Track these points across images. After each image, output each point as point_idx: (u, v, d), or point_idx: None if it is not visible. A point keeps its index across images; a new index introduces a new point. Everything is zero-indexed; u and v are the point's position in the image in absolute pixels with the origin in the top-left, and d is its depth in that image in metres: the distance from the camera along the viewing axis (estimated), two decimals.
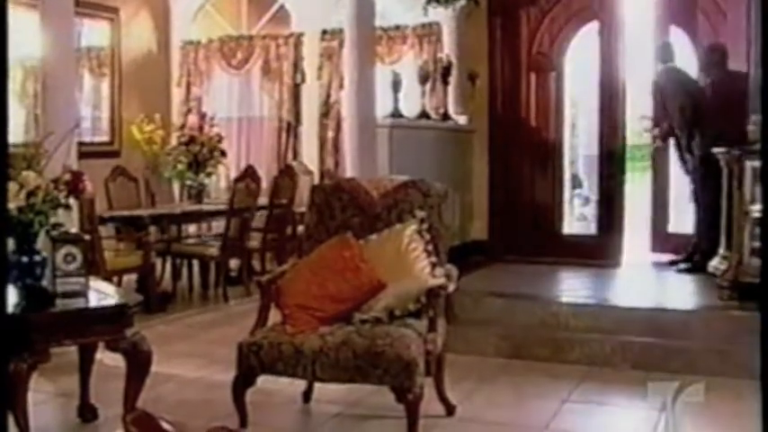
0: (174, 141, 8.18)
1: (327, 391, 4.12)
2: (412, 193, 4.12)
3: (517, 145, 7.17)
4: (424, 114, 6.77)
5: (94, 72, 8.59)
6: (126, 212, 6.91)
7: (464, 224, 7.04)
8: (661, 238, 6.98)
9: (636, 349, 4.89)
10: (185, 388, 4.57)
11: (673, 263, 6.37)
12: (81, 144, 5.80)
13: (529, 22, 7.09)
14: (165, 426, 1.51)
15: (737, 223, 5.04)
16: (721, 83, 6.05)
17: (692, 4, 6.66)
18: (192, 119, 8.29)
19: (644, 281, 6.28)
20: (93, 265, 5.36)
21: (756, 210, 4.83)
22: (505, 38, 7.16)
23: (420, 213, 4.03)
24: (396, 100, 6.32)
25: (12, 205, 3.28)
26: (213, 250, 7.06)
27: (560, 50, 7.08)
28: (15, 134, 3.11)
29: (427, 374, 3.59)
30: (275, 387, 3.98)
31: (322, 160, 8.58)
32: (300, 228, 6.48)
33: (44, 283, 3.50)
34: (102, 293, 3.70)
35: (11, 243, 3.38)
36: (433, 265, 3.92)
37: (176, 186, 8.52)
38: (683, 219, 6.77)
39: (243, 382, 3.66)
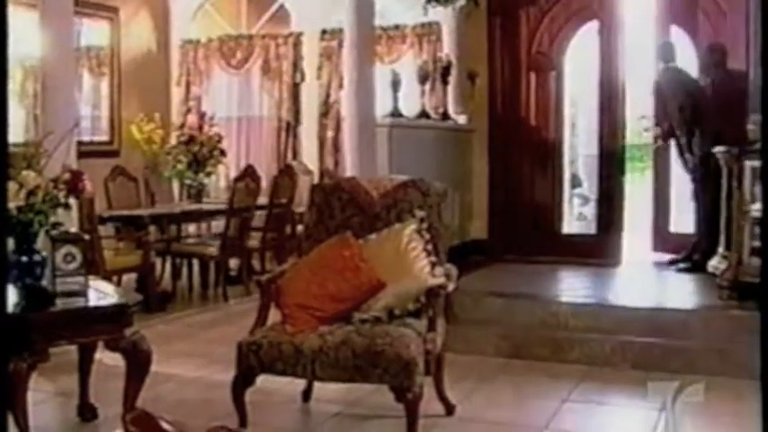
0: (173, 141, 8.18)
1: (327, 391, 4.13)
2: (411, 193, 4.12)
3: (517, 144, 7.16)
4: (423, 114, 6.77)
5: (94, 71, 8.59)
6: (125, 212, 6.91)
7: (464, 224, 7.04)
8: (662, 238, 6.98)
9: (636, 349, 4.89)
10: (185, 387, 4.56)
11: (672, 262, 6.37)
12: (80, 143, 5.79)
13: (528, 21, 7.09)
14: (165, 425, 1.51)
15: (737, 223, 5.04)
16: (721, 82, 6.06)
17: (692, 3, 6.66)
18: (192, 118, 8.31)
19: (644, 280, 6.28)
20: (93, 265, 5.36)
21: (756, 209, 4.82)
22: (505, 37, 7.16)
23: (419, 213, 4.03)
24: (395, 99, 6.32)
25: (11, 205, 3.28)
26: (213, 250, 7.06)
27: (560, 50, 7.08)
28: (15, 134, 3.10)
29: (427, 374, 3.59)
30: (275, 386, 3.98)
31: (321, 160, 8.58)
32: (300, 227, 6.49)
33: (44, 282, 3.50)
34: (101, 293, 3.70)
35: (11, 243, 3.38)
36: (433, 265, 3.91)
37: (176, 186, 8.53)
38: (684, 218, 6.76)
39: (242, 382, 3.66)
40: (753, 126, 5.12)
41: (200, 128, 7.91)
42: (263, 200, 7.32)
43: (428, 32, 8.00)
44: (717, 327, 4.89)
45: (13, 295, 3.39)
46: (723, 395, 3.75)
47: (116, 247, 6.59)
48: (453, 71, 7.06)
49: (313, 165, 8.50)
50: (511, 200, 7.16)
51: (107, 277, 5.63)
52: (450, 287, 3.87)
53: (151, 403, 3.27)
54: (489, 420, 4.05)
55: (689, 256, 6.22)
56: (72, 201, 3.72)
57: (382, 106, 6.22)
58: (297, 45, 8.71)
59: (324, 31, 8.52)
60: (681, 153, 6.39)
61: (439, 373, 3.95)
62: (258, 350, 3.59)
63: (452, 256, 4.18)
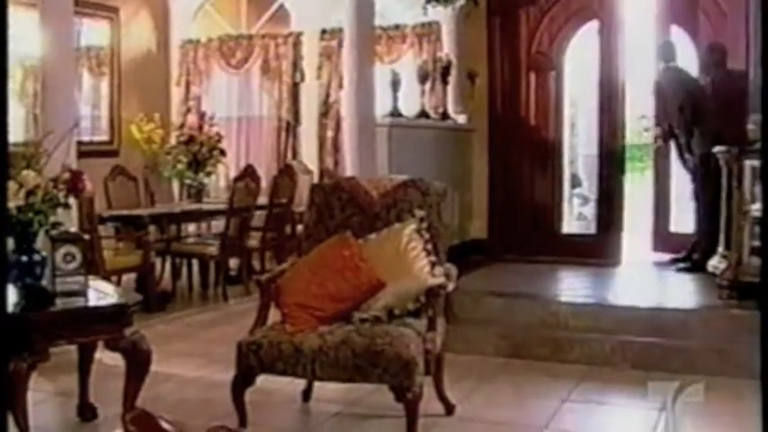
0: (173, 140, 8.19)
1: (327, 391, 4.13)
2: (411, 193, 4.12)
3: (517, 144, 7.17)
4: (423, 114, 6.77)
5: (94, 71, 8.59)
6: (125, 212, 6.91)
7: (463, 223, 7.04)
8: (663, 238, 6.97)
9: (635, 349, 4.89)
10: (185, 387, 4.56)
11: (673, 261, 6.37)
12: (80, 143, 5.79)
13: (528, 21, 7.09)
14: (165, 425, 1.50)
15: (737, 222, 5.04)
16: (721, 82, 6.06)
17: (692, 3, 6.66)
18: (192, 118, 8.31)
19: (643, 280, 6.28)
20: (93, 265, 5.36)
21: (756, 209, 4.82)
22: (505, 37, 7.16)
23: (419, 212, 4.03)
24: (395, 99, 6.32)
25: (11, 204, 3.28)
26: (213, 249, 7.06)
27: (560, 50, 7.08)
28: (15, 133, 3.09)
29: (426, 374, 3.59)
30: (275, 386, 3.98)
31: (321, 159, 8.58)
32: (300, 227, 6.49)
33: (43, 282, 3.50)
34: (101, 293, 3.70)
35: (10, 242, 3.38)
36: (433, 265, 3.91)
37: (176, 185, 8.52)
38: (684, 218, 6.76)
39: (242, 382, 3.66)
40: (753, 126, 5.12)
41: (200, 128, 7.91)
42: (262, 200, 7.32)
43: (428, 32, 8.00)
44: (717, 326, 4.88)
45: (12, 295, 3.39)
46: (723, 395, 3.75)
47: (116, 246, 6.59)
48: (453, 71, 7.06)
49: (313, 164, 8.50)
50: (511, 200, 7.16)
51: (107, 277, 5.63)
52: (450, 287, 3.87)
53: (151, 403, 3.27)
54: (489, 420, 4.04)
55: (689, 255, 6.23)
56: (72, 200, 3.73)
57: (382, 106, 6.23)
58: (297, 45, 8.71)
59: (324, 31, 8.52)
60: (681, 153, 6.39)
61: (439, 372, 3.95)
62: (258, 350, 3.59)
63: (452, 256, 4.18)
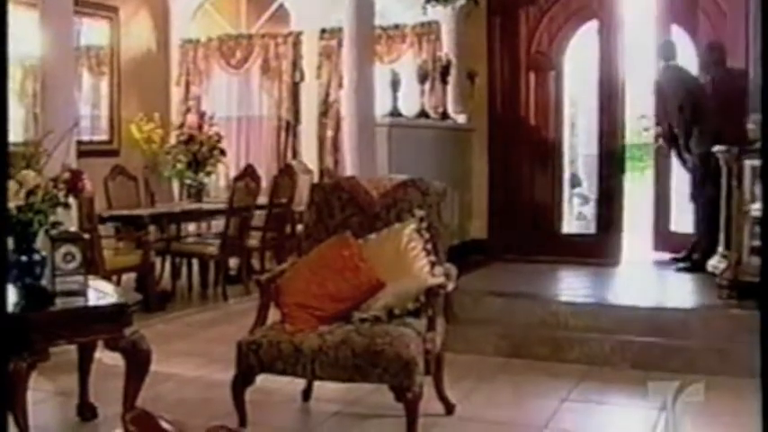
0: (173, 140, 8.19)
1: (327, 390, 4.13)
2: (411, 192, 4.12)
3: (516, 144, 7.17)
4: (423, 113, 6.77)
5: (94, 71, 8.59)
6: (125, 211, 6.90)
7: (463, 223, 7.04)
8: (663, 237, 6.98)
9: (635, 348, 4.89)
10: (184, 387, 4.56)
11: (673, 261, 6.37)
12: (80, 143, 5.79)
13: (528, 21, 7.09)
14: (165, 425, 1.50)
15: (737, 222, 5.04)
16: (721, 81, 6.06)
17: (692, 3, 6.66)
18: (192, 118, 8.30)
19: (643, 280, 6.28)
20: (93, 264, 5.36)
21: (756, 209, 4.82)
22: (505, 37, 7.16)
23: (419, 212, 4.03)
24: (395, 99, 6.32)
25: (11, 204, 3.28)
26: (212, 249, 7.06)
27: (559, 49, 7.08)
28: (15, 133, 3.10)
29: (426, 373, 3.59)
30: (274, 386, 3.98)
31: (321, 159, 8.58)
32: (300, 227, 6.49)
33: (43, 282, 3.50)
34: (101, 292, 3.70)
35: (10, 242, 3.38)
36: (433, 264, 3.92)
37: (176, 185, 8.52)
38: (684, 218, 6.76)
39: (242, 381, 3.66)
40: (753, 125, 5.12)
41: (200, 127, 7.91)
42: (262, 199, 7.32)
43: (428, 32, 8.00)
44: (716, 326, 4.88)
45: (12, 295, 3.39)
46: (723, 395, 3.74)
47: (116, 246, 6.59)
48: (453, 71, 7.06)
49: (313, 164, 8.50)
50: (510, 199, 7.16)
51: (107, 277, 5.63)
52: (450, 287, 3.87)
53: (151, 402, 3.27)
54: (489, 420, 4.04)
55: (688, 255, 6.23)
56: (72, 200, 3.72)
57: (382, 106, 6.23)
58: (296, 44, 8.71)
59: (323, 31, 8.52)
60: (679, 152, 6.39)
61: (438, 372, 3.95)
62: (258, 349, 3.59)
63: (452, 256, 4.18)
